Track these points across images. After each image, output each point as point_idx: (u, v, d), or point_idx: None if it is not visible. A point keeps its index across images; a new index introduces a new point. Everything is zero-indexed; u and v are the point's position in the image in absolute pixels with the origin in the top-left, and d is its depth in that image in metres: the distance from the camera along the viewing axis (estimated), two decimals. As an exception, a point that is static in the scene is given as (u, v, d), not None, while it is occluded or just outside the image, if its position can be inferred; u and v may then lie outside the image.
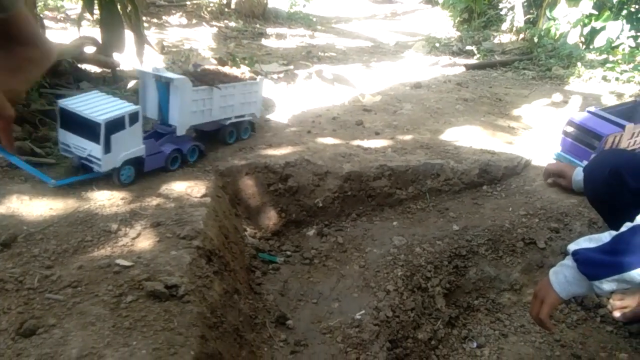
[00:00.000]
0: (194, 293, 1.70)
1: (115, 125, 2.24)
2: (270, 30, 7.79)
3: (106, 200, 2.24)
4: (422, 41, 7.26)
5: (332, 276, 2.52)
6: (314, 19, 9.67)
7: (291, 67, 5.29)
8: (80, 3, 4.31)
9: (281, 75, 4.98)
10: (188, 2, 8.02)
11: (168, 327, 1.49)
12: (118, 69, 3.83)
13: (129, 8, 3.54)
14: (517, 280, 2.66)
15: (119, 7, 3.50)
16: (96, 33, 4.05)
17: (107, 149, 2.24)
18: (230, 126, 3.06)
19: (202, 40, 6.34)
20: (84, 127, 2.24)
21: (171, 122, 2.70)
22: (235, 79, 3.03)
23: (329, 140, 3.43)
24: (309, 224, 2.89)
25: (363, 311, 2.26)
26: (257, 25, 7.95)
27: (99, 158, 2.25)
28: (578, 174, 2.79)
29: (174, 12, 7.75)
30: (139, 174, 2.47)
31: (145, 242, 1.95)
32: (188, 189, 2.43)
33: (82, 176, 2.35)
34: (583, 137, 3.01)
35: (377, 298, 2.33)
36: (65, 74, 3.47)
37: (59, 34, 3.98)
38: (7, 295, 1.56)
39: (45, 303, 1.54)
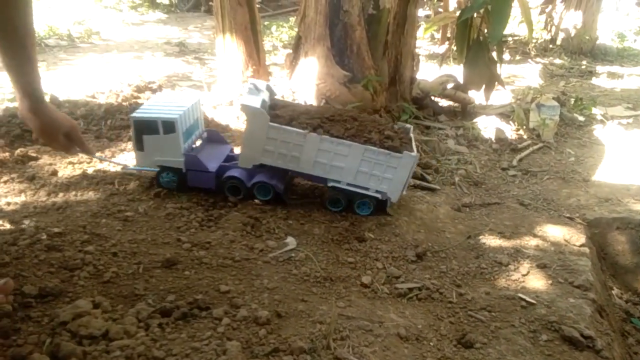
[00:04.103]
0: (607, 350, 1.65)
1: (146, 127, 2.18)
2: (600, 68, 7.15)
3: (489, 238, 2.39)
4: None
5: None
6: (651, 56, 8.45)
7: (642, 112, 4.73)
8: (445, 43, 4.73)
9: (630, 120, 4.50)
10: (510, 39, 8.04)
11: (597, 380, 1.48)
12: (471, 105, 4.09)
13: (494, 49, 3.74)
14: None
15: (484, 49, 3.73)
16: (450, 69, 4.43)
17: (140, 146, 2.22)
18: (335, 192, 2.32)
19: (528, 77, 6.25)
20: None
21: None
22: (368, 140, 2.23)
23: None
24: (690, 299, 2.50)
25: None
26: (584, 63, 7.39)
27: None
28: None
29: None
30: (184, 186, 2.31)
31: (536, 281, 2.00)
32: (567, 235, 2.39)
33: (139, 167, 2.34)
34: None
35: None
36: (427, 107, 3.89)
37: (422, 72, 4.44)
38: (435, 304, 1.81)
39: (470, 320, 1.73)
